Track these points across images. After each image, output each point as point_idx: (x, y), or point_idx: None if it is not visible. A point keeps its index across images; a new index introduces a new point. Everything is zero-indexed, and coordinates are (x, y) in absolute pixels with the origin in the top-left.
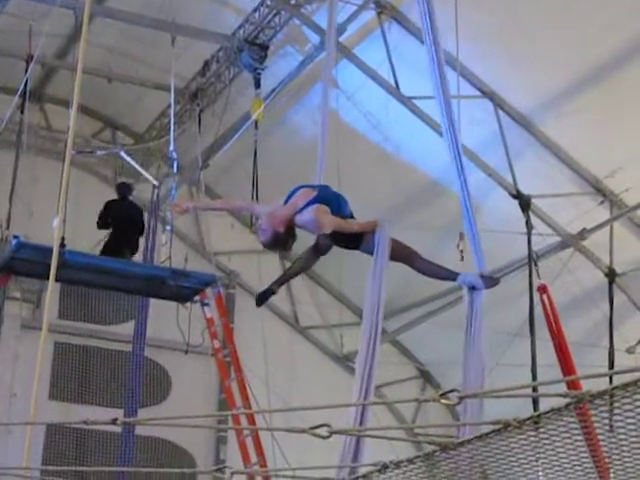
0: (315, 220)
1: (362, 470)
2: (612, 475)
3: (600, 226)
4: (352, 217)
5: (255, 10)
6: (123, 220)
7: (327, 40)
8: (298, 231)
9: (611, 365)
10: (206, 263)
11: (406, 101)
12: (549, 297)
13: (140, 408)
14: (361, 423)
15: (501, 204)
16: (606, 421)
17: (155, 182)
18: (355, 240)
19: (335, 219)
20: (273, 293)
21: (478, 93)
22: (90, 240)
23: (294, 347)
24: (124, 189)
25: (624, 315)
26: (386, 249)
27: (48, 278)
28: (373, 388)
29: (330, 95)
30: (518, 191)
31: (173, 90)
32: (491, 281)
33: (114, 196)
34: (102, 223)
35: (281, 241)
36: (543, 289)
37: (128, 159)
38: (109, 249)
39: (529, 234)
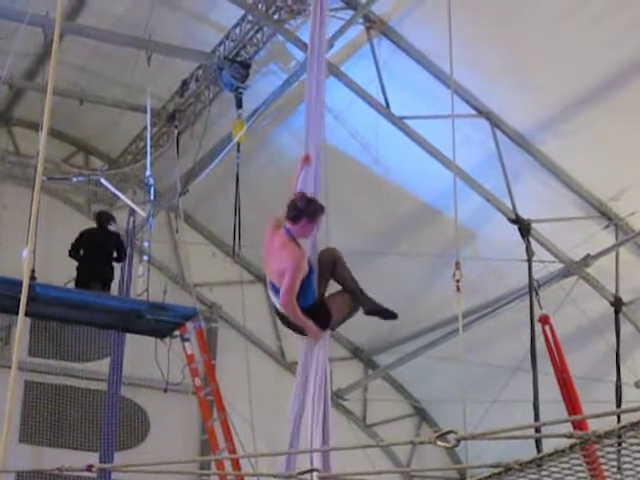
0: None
1: None
2: None
3: (605, 252)
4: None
5: (236, 26)
6: (90, 249)
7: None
8: None
9: (618, 401)
10: (186, 295)
11: (397, 121)
12: (551, 328)
13: (117, 451)
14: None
15: (499, 230)
16: (614, 462)
17: (135, 207)
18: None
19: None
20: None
21: (474, 112)
22: (62, 272)
23: (281, 384)
24: (101, 218)
25: (632, 347)
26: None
27: (17, 313)
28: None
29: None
30: (517, 215)
31: (149, 111)
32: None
33: (87, 225)
34: (73, 252)
35: None
36: (545, 320)
37: (108, 186)
38: (77, 282)
39: (529, 261)
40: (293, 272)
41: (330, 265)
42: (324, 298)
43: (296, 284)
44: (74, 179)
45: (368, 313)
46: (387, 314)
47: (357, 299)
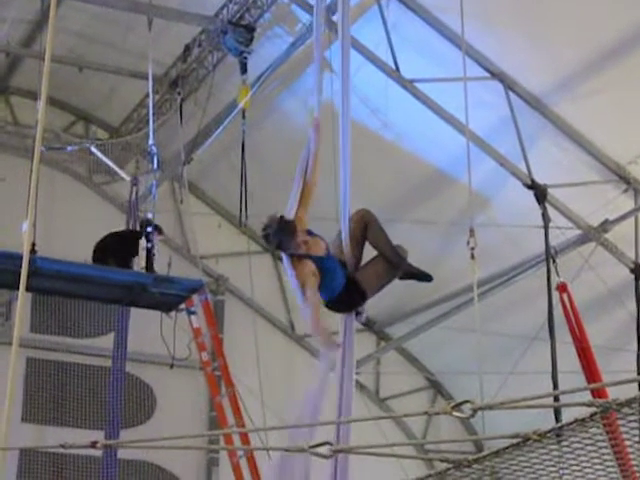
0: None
1: None
2: None
3: (624, 217)
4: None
5: None
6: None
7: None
8: None
9: (639, 370)
10: (192, 267)
11: (407, 84)
12: (569, 297)
13: (122, 429)
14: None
15: (514, 195)
16: (636, 431)
17: (127, 178)
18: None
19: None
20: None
21: (486, 74)
22: (64, 245)
23: (290, 358)
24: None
25: None
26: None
27: (18, 288)
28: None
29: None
30: (533, 181)
31: (151, 78)
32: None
33: (89, 196)
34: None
35: None
36: (563, 288)
37: (99, 155)
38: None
39: (546, 228)
40: (310, 304)
41: (362, 229)
42: (356, 274)
43: (317, 306)
44: (68, 148)
45: (403, 277)
46: (423, 276)
47: (393, 264)
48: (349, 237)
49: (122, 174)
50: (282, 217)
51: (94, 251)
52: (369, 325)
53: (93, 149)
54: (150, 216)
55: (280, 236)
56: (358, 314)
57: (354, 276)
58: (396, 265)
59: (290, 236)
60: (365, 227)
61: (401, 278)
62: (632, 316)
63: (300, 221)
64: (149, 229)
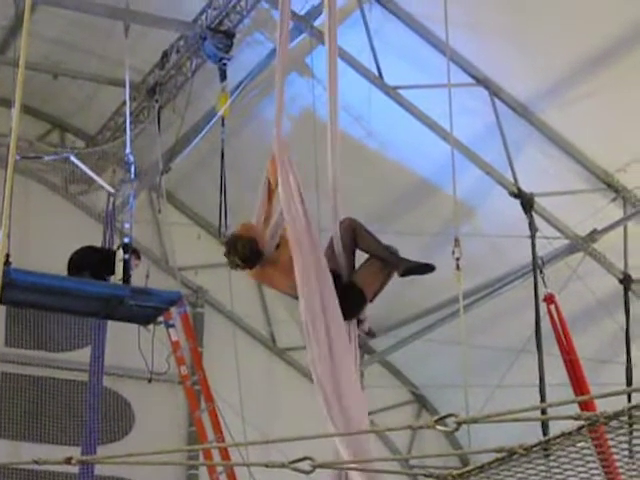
0: None
1: None
2: None
3: (613, 226)
4: None
5: None
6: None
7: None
8: None
9: (629, 383)
10: (170, 279)
11: (390, 91)
12: (557, 308)
13: (100, 445)
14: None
15: (500, 204)
16: (624, 445)
17: (112, 190)
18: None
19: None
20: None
21: (471, 80)
22: (38, 257)
23: (271, 371)
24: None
25: None
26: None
27: None
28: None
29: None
30: (519, 189)
31: (128, 85)
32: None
33: (65, 206)
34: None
35: None
36: (550, 299)
37: (80, 164)
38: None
39: (533, 237)
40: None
41: (351, 238)
42: (352, 279)
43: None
44: (45, 158)
45: (404, 274)
46: (424, 268)
47: (389, 263)
48: (346, 247)
49: (103, 184)
50: (237, 238)
51: (69, 263)
52: (373, 335)
53: (73, 158)
54: (127, 240)
55: (248, 257)
56: (360, 323)
57: (349, 280)
58: (392, 262)
59: (256, 251)
60: (353, 235)
61: (402, 275)
62: (621, 327)
63: (266, 221)
64: (126, 256)
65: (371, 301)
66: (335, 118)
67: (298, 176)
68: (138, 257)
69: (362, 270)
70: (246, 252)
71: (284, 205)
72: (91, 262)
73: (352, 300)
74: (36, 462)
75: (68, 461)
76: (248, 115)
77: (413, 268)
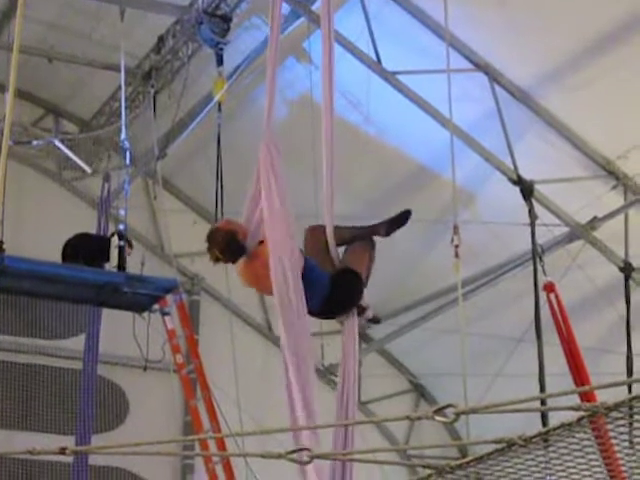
0: None
1: None
2: None
3: (613, 214)
4: None
5: None
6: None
7: None
8: None
9: (629, 373)
10: (166, 266)
11: (389, 77)
12: (557, 297)
13: (94, 434)
14: (345, 446)
15: (500, 191)
16: (625, 436)
17: (88, 170)
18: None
19: None
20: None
21: (471, 66)
22: (32, 244)
23: (268, 360)
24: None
25: None
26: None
27: None
28: (355, 405)
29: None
30: (519, 176)
31: (123, 70)
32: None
33: (59, 192)
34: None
35: None
36: (550, 288)
37: (65, 149)
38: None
39: (533, 225)
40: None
41: (324, 240)
42: (340, 265)
43: None
44: (34, 142)
45: (388, 233)
46: (403, 218)
47: (369, 237)
48: (322, 251)
49: (86, 168)
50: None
51: (64, 250)
52: (378, 321)
53: (57, 143)
54: (122, 227)
55: (227, 249)
56: (363, 311)
57: (339, 267)
58: (372, 231)
59: (236, 243)
60: (324, 237)
61: (387, 234)
62: (621, 316)
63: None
64: (121, 243)
65: (364, 284)
66: (331, 106)
67: (283, 179)
68: (130, 246)
69: (347, 254)
70: (225, 244)
71: (264, 206)
72: (86, 249)
73: (346, 287)
74: (30, 452)
75: (62, 451)
76: (245, 100)
77: (392, 223)
